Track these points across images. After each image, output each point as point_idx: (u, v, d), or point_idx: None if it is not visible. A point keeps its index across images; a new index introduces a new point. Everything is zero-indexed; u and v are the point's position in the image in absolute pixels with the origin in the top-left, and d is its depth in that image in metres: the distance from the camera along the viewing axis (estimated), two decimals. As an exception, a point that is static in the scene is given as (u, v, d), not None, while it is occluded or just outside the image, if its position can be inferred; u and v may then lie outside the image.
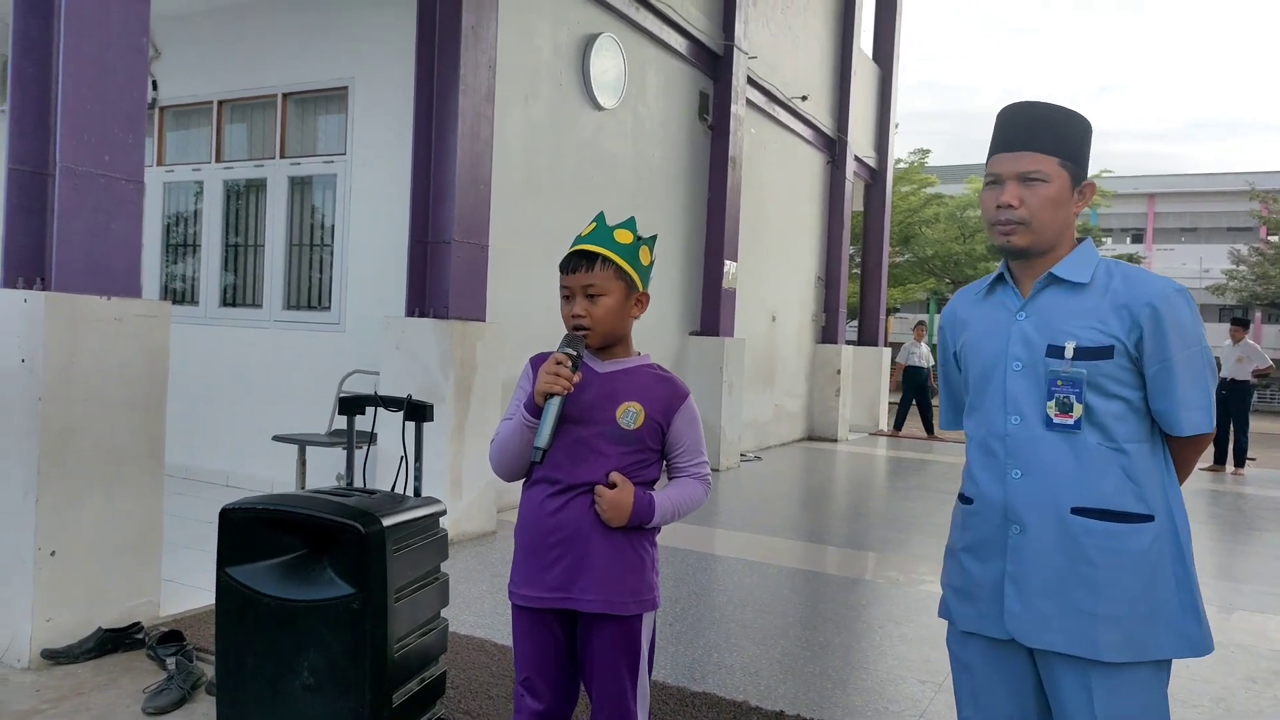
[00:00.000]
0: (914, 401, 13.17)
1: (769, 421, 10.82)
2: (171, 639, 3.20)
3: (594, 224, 1.95)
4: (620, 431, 1.88)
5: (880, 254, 13.79)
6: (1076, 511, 1.67)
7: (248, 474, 6.22)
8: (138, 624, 3.33)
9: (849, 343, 13.19)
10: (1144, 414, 1.70)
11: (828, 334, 12.45)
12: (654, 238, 2.01)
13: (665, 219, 8.22)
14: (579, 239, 1.94)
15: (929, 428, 13.14)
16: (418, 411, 2.70)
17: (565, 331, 1.93)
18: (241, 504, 2.44)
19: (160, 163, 6.90)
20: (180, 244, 6.96)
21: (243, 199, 6.67)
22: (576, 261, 1.90)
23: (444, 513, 2.65)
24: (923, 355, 13.30)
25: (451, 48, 5.12)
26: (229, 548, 2.44)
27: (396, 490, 2.74)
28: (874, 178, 13.77)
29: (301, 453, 5.19)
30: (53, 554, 3.15)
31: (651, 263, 1.99)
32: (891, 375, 14.18)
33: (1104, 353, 1.67)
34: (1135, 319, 1.66)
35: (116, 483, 3.36)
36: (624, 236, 1.92)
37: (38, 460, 3.10)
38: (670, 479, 2.00)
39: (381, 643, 2.33)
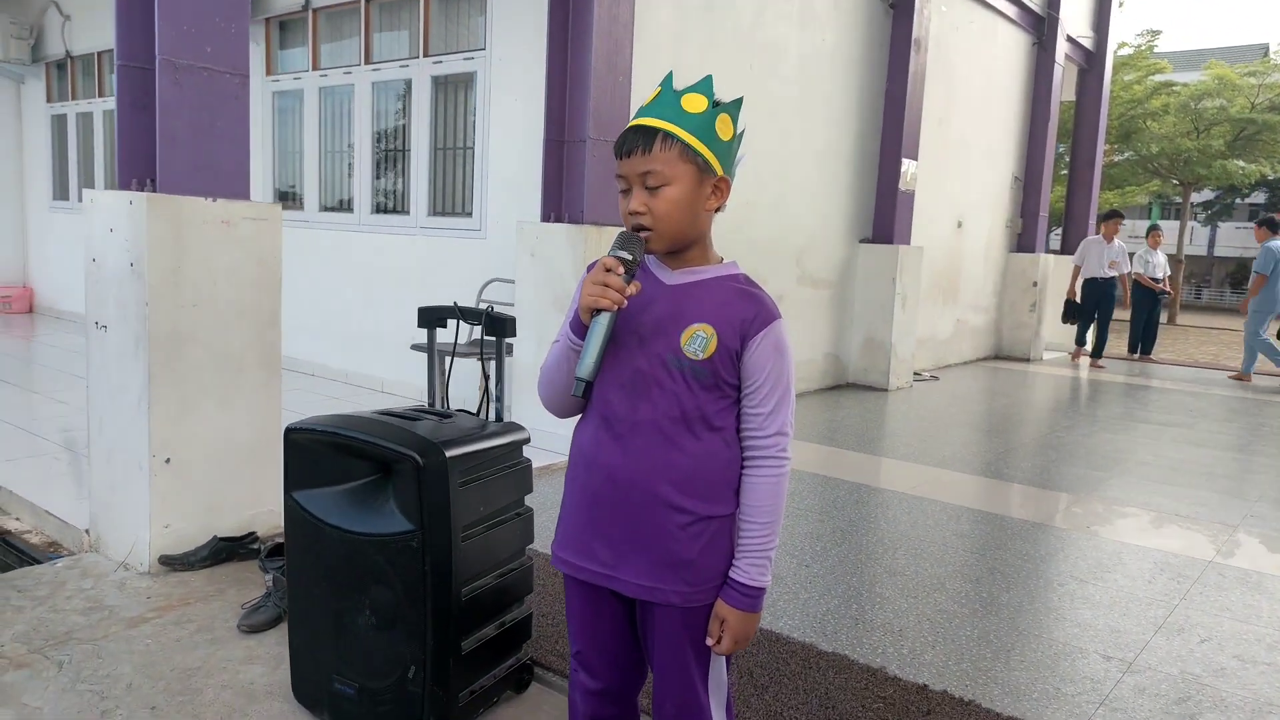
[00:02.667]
0: (1145, 319, 11.45)
1: (949, 338, 9.90)
2: (281, 552, 3.13)
3: (658, 89, 1.46)
4: (686, 361, 1.44)
5: (1094, 151, 12.13)
6: None
7: (400, 380, 6.27)
8: (253, 534, 3.30)
9: (1050, 251, 11.77)
10: None
11: (1024, 242, 11.16)
12: (738, 102, 1.48)
13: (836, 112, 7.42)
14: (639, 110, 1.48)
15: (1144, 348, 11.60)
16: (498, 326, 2.36)
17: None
18: (303, 425, 2.23)
19: (315, 67, 6.89)
20: (335, 150, 6.98)
21: (389, 103, 6.54)
22: (632, 141, 1.43)
23: (527, 440, 2.34)
24: (1159, 265, 11.30)
25: (587, -81, 4.63)
26: (294, 471, 2.26)
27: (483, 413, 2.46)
28: (1090, 62, 12.02)
29: (440, 362, 5.08)
30: (168, 461, 3.13)
31: (736, 136, 1.47)
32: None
33: None
34: None
35: (231, 391, 3.29)
36: (695, 103, 1.42)
37: (148, 366, 3.05)
38: (743, 462, 1.48)
39: (445, 585, 2.07)
